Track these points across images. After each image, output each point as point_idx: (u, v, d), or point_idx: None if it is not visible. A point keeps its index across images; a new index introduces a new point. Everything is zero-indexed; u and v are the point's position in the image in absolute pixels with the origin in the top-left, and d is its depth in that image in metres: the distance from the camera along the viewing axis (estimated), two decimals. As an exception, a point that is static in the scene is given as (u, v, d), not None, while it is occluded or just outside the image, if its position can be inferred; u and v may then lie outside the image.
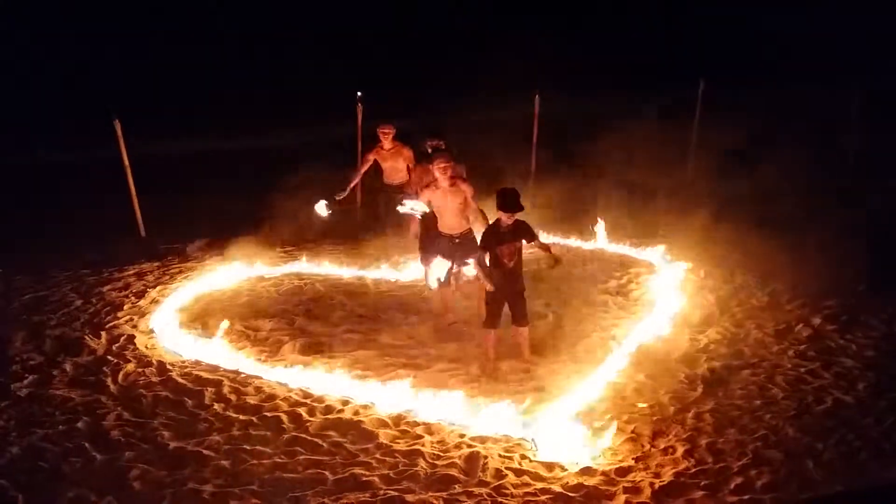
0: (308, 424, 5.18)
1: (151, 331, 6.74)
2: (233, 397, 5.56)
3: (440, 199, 6.49)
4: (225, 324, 6.65)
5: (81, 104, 14.15)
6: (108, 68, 16.96)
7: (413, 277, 8.02)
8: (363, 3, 21.66)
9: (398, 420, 5.23)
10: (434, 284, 6.80)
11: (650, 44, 21.63)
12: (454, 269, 6.66)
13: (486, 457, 4.75)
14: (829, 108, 13.27)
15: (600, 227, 9.18)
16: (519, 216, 5.73)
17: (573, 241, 9.30)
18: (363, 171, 8.81)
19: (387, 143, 8.54)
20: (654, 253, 8.67)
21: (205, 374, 5.92)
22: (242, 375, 5.90)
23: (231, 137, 14.84)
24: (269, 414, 5.32)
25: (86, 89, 15.63)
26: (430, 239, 7.05)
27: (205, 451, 4.85)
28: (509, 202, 5.63)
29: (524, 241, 5.81)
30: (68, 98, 15.45)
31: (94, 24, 17.87)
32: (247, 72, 18.34)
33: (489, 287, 5.75)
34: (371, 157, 8.64)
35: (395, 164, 8.60)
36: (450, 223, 6.54)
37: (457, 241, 6.52)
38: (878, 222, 7.52)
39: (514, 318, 6.00)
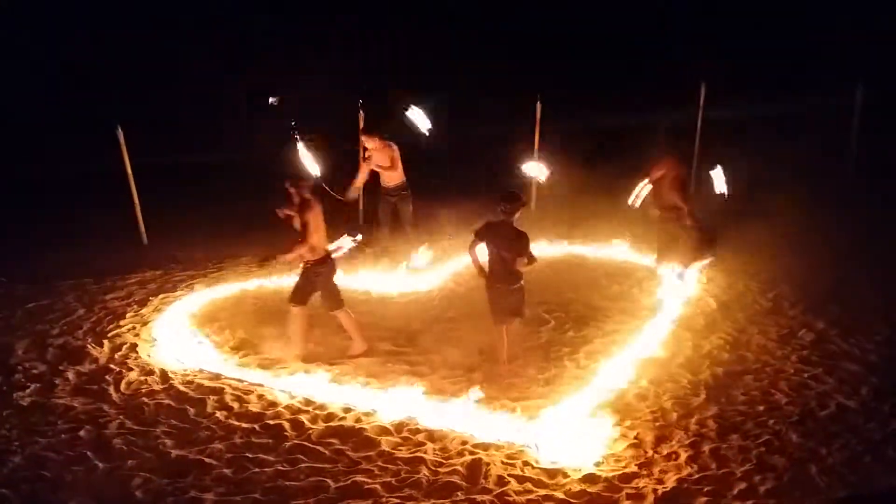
0: (310, 432, 5.18)
1: (154, 339, 6.74)
2: (235, 405, 5.56)
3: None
4: None
5: (84, 111, 14.10)
6: (110, 74, 16.78)
7: (414, 284, 8.02)
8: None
9: (400, 427, 5.23)
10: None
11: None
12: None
13: (488, 464, 4.74)
14: None
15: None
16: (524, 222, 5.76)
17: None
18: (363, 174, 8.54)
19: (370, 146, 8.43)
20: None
21: (207, 383, 5.92)
22: (244, 383, 5.90)
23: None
24: (271, 422, 5.32)
25: (88, 96, 15.55)
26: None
27: (207, 460, 4.86)
28: (505, 196, 5.79)
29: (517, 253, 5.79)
30: (70, 104, 15.35)
31: (98, 27, 17.67)
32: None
33: (480, 275, 5.95)
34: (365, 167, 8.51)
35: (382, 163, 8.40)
36: None
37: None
38: None
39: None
